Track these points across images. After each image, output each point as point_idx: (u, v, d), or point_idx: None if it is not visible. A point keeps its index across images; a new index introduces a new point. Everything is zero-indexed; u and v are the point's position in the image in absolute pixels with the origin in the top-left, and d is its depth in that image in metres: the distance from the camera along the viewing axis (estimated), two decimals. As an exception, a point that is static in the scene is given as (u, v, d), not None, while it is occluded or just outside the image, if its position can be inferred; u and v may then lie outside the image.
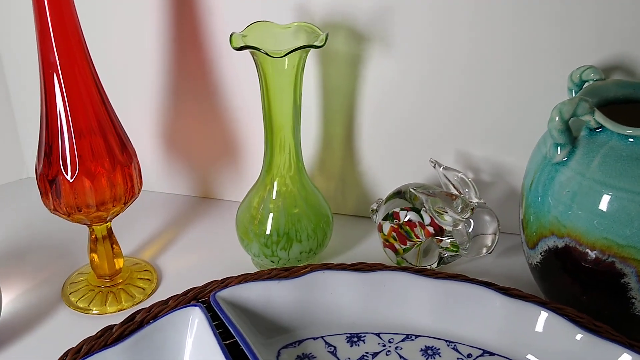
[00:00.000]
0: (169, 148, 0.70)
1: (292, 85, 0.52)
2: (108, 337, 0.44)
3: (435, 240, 0.57)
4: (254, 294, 0.48)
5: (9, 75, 0.71)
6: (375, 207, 0.61)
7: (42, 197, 0.50)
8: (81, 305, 0.55)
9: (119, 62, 0.66)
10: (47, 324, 0.53)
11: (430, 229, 0.56)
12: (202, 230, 0.67)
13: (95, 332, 0.44)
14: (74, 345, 0.43)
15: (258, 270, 0.53)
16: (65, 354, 0.43)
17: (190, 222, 0.68)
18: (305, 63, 0.52)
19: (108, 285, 0.56)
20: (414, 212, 0.57)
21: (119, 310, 0.54)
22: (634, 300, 0.45)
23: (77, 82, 0.47)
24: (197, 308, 0.46)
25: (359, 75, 0.61)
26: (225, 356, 0.41)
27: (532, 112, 0.58)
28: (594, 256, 0.45)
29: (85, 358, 0.42)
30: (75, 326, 0.53)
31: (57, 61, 0.46)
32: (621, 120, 0.45)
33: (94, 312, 0.54)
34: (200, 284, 0.50)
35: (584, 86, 0.51)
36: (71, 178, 0.48)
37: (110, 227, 0.55)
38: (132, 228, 0.65)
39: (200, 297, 0.48)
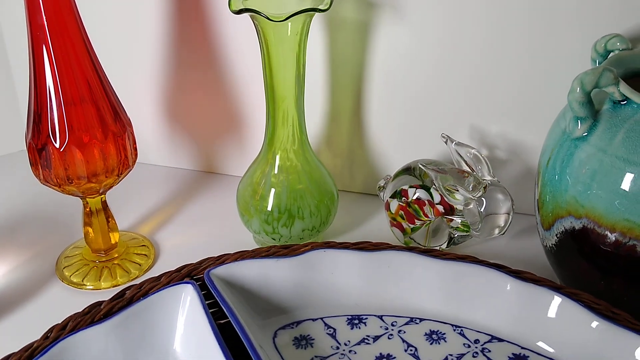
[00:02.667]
0: (170, 120, 0.68)
1: (296, 53, 0.49)
2: (95, 314, 0.42)
3: (445, 219, 0.54)
4: (251, 272, 0.46)
5: (9, 46, 0.69)
6: (382, 184, 0.59)
7: (31, 167, 0.48)
8: (75, 280, 0.53)
9: (119, 34, 0.64)
10: (39, 298, 0.51)
11: (440, 208, 0.53)
12: (203, 205, 0.64)
13: (83, 308, 0.42)
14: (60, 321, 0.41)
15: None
16: (50, 330, 0.41)
17: (191, 197, 0.66)
18: (309, 29, 0.49)
19: (103, 260, 0.54)
20: (423, 190, 0.54)
21: (113, 286, 0.52)
22: (656, 286, 0.42)
23: (67, 48, 0.45)
24: (189, 285, 0.43)
25: (368, 45, 0.58)
26: (216, 337, 0.39)
27: (553, 85, 0.54)
28: (613, 239, 0.42)
29: (70, 335, 0.40)
30: (68, 302, 0.51)
31: (46, 25, 0.44)
32: (648, 93, 0.41)
33: (87, 287, 0.52)
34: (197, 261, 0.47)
35: (609, 56, 0.47)
36: (60, 147, 0.46)
37: (105, 200, 0.53)
38: (130, 202, 0.63)
39: (194, 274, 0.46)
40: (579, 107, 0.42)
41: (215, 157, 0.69)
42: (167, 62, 0.64)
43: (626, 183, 0.41)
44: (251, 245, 0.58)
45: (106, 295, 0.49)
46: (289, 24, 0.47)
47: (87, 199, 0.51)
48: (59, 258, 0.56)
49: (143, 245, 0.57)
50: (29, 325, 0.49)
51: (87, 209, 0.52)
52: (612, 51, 0.47)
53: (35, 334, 0.41)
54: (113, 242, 0.54)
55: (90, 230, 0.53)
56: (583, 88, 0.41)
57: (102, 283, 0.53)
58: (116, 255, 0.55)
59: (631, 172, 0.40)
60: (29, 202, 0.64)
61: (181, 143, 0.69)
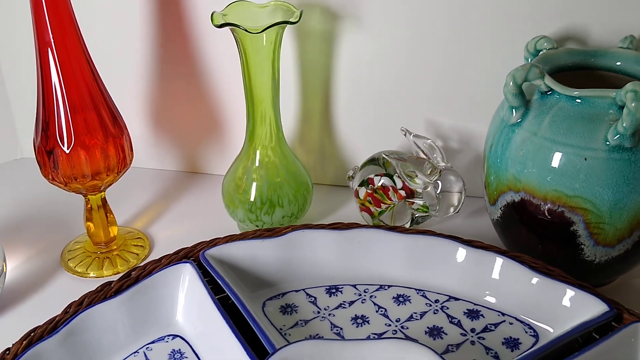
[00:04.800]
0: (156, 125, 0.74)
1: (271, 60, 0.56)
2: (107, 291, 0.48)
3: (407, 202, 0.61)
4: (240, 252, 0.53)
5: (3, 60, 0.74)
6: (351, 174, 0.66)
7: (40, 168, 0.54)
8: (79, 270, 0.59)
9: (106, 44, 0.69)
10: (49, 286, 0.57)
11: (402, 193, 0.61)
12: (189, 202, 0.71)
13: (96, 287, 0.48)
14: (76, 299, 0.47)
15: (243, 234, 0.58)
16: (69, 306, 0.47)
17: (179, 195, 0.72)
18: (282, 39, 0.56)
19: (104, 251, 0.60)
20: (387, 177, 0.61)
21: (114, 274, 0.58)
22: (582, 246, 0.50)
23: (70, 61, 0.51)
24: (188, 264, 0.50)
25: (334, 52, 0.66)
26: (217, 306, 0.46)
27: (494, 82, 0.62)
28: (546, 207, 0.50)
29: (87, 309, 0.46)
30: (75, 288, 0.57)
31: (52, 41, 0.50)
32: (571, 85, 0.49)
33: (91, 275, 0.58)
34: (189, 246, 0.54)
35: (539, 55, 0.55)
36: (67, 150, 0.52)
37: (105, 197, 0.59)
38: (124, 202, 0.69)
39: (190, 255, 0.52)
40: (513, 97, 0.50)
41: (199, 159, 0.75)
42: (153, 72, 0.71)
43: (554, 160, 0.49)
44: (235, 232, 0.64)
45: (108, 282, 0.55)
46: (264, 35, 0.54)
47: (89, 196, 0.57)
48: (62, 252, 0.61)
49: (139, 238, 0.63)
50: (42, 309, 0.54)
51: (89, 206, 0.58)
52: (541, 50, 0.55)
53: (48, 317, 0.46)
54: (112, 235, 0.60)
55: (91, 225, 0.59)
56: (515, 82, 0.49)
57: (105, 271, 0.58)
58: (115, 247, 0.61)
59: (558, 151, 0.48)
60: (29, 207, 0.69)
61: (168, 147, 0.75)
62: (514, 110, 0.51)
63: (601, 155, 0.47)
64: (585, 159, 0.47)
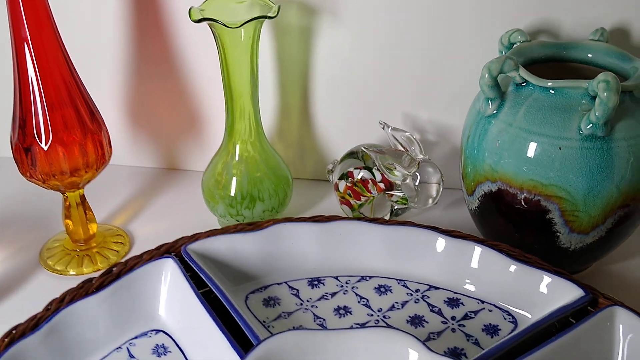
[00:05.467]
0: (133, 122, 0.73)
1: (249, 55, 0.56)
2: (89, 288, 0.48)
3: (386, 195, 0.62)
4: (222, 246, 0.53)
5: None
6: (331, 168, 0.66)
7: (18, 166, 0.54)
8: (59, 268, 0.58)
9: (82, 39, 0.69)
10: (28, 285, 0.57)
11: (382, 185, 0.62)
12: (168, 198, 0.71)
13: (77, 284, 0.48)
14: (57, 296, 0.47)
15: (224, 229, 0.58)
16: (50, 303, 0.46)
17: (157, 192, 0.72)
18: (260, 34, 0.56)
19: (83, 249, 0.60)
20: (366, 170, 0.62)
21: (95, 271, 0.58)
22: (558, 234, 0.51)
23: (47, 57, 0.51)
24: (170, 259, 0.50)
25: (312, 47, 0.66)
26: (200, 301, 0.46)
27: (470, 76, 0.63)
28: (523, 196, 0.51)
29: (68, 305, 0.46)
30: (55, 286, 0.56)
31: (29, 37, 0.49)
32: (545, 77, 0.50)
33: (70, 273, 0.58)
34: (170, 242, 0.54)
35: (513, 47, 0.56)
36: (45, 147, 0.52)
37: (83, 194, 0.58)
38: (102, 199, 0.69)
39: (172, 250, 0.52)
40: (489, 89, 0.51)
41: (177, 155, 0.75)
42: (129, 69, 0.70)
43: (530, 150, 0.50)
44: (216, 227, 0.64)
45: (89, 279, 0.55)
46: (242, 30, 0.54)
47: (67, 193, 0.57)
48: (41, 250, 0.61)
49: (118, 235, 0.63)
50: (21, 308, 0.53)
51: (67, 203, 0.58)
52: (515, 43, 0.57)
53: (29, 315, 0.46)
54: (92, 232, 0.60)
55: (69, 222, 0.59)
56: (490, 74, 0.50)
57: (85, 269, 0.58)
58: (94, 244, 0.60)
59: (533, 141, 0.49)
60: (7, 204, 0.69)
61: (145, 143, 0.75)
62: (489, 101, 0.52)
63: (575, 144, 0.48)
64: (560, 149, 0.48)
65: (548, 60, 0.56)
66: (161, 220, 0.67)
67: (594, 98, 0.48)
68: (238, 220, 0.62)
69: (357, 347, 0.39)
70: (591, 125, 0.47)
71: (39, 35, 0.50)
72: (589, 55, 0.55)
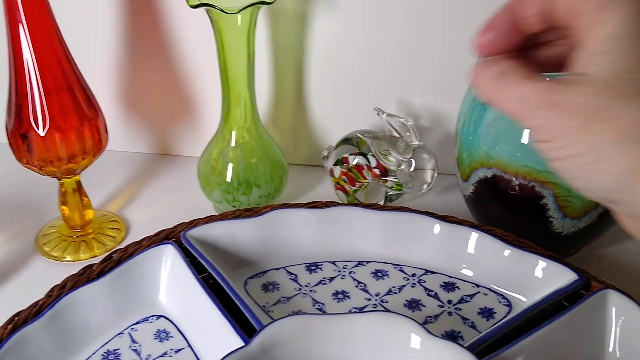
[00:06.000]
0: (126, 107, 0.73)
1: (246, 40, 0.56)
2: (90, 274, 0.48)
3: (381, 180, 0.63)
4: (220, 232, 0.53)
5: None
6: (326, 154, 0.67)
7: (14, 152, 0.53)
8: (55, 254, 0.58)
9: (74, 23, 0.68)
10: (25, 271, 0.57)
11: (377, 171, 0.62)
12: (163, 184, 0.71)
13: (78, 270, 0.48)
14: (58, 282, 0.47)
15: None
16: (52, 289, 0.47)
17: (152, 177, 0.72)
18: (257, 19, 0.56)
19: (79, 235, 0.60)
20: (361, 156, 0.63)
21: (92, 257, 0.58)
22: (552, 219, 0.53)
23: (43, 41, 0.50)
24: (170, 245, 0.50)
25: (307, 32, 0.66)
26: (202, 286, 0.46)
27: (465, 61, 0.64)
28: (517, 182, 0.52)
29: (70, 292, 0.46)
30: (52, 272, 0.56)
31: (24, 19, 0.49)
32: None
33: (67, 259, 0.58)
34: (168, 228, 0.54)
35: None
36: (42, 133, 0.51)
37: (79, 180, 0.58)
38: (96, 185, 0.68)
39: (171, 236, 0.52)
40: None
41: (171, 140, 0.75)
42: (123, 53, 0.70)
43: (525, 137, 0.51)
44: (211, 213, 0.64)
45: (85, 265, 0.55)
46: (239, 15, 0.54)
47: (63, 179, 0.56)
48: (37, 236, 0.61)
49: (114, 221, 0.63)
50: (20, 294, 0.54)
51: (63, 189, 0.57)
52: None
53: (28, 301, 0.46)
54: (88, 218, 0.60)
55: (65, 209, 0.58)
56: (487, 61, 0.51)
57: (81, 255, 0.58)
58: (91, 230, 0.60)
59: (527, 127, 0.50)
60: (-1, 190, 0.68)
61: (139, 129, 0.75)
62: (486, 89, 0.52)
63: (569, 131, 0.49)
64: (555, 135, 0.49)
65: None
66: (156, 205, 0.67)
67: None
68: (234, 206, 0.62)
69: (359, 330, 0.40)
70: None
71: (34, 18, 0.49)
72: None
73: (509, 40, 0.29)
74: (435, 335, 0.38)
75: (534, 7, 0.28)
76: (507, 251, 0.51)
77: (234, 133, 0.60)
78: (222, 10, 0.52)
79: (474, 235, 0.52)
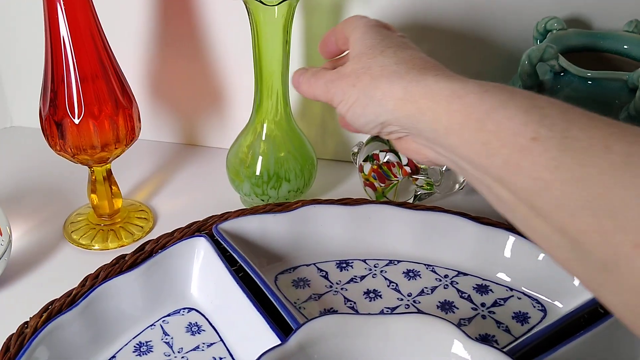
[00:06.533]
0: (155, 96, 0.72)
1: (282, 33, 0.55)
2: (122, 265, 0.48)
3: (411, 179, 0.62)
4: (252, 226, 0.53)
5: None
6: (356, 150, 0.66)
7: (47, 138, 0.53)
8: (83, 242, 0.58)
9: (104, 9, 0.68)
10: (54, 258, 0.56)
11: (407, 169, 0.61)
12: (190, 175, 0.70)
13: (110, 260, 0.48)
14: (91, 272, 0.47)
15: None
16: (85, 279, 0.46)
17: (178, 168, 0.71)
18: (294, 12, 0.55)
19: (108, 223, 0.59)
20: (392, 153, 0.62)
21: (120, 247, 0.58)
22: (588, 224, 0.52)
23: (81, 30, 0.49)
24: (202, 238, 0.50)
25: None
26: (236, 280, 0.46)
27: (501, 61, 0.63)
28: (555, 186, 0.51)
29: (103, 282, 0.46)
30: (81, 260, 0.56)
31: (62, 4, 0.48)
32: (579, 66, 0.50)
33: (95, 248, 0.58)
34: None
35: (548, 35, 0.56)
36: (77, 121, 0.51)
37: (110, 169, 0.58)
38: (122, 174, 0.68)
39: (203, 229, 0.52)
40: (527, 77, 0.51)
41: (196, 131, 0.75)
42: (153, 41, 0.69)
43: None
44: (236, 206, 0.64)
45: (113, 254, 0.54)
46: (277, 8, 0.53)
47: (94, 167, 0.56)
48: (65, 223, 0.60)
49: (142, 210, 0.62)
50: (50, 281, 0.54)
51: (93, 177, 0.57)
52: (551, 31, 0.56)
53: (58, 289, 0.46)
54: (116, 207, 0.59)
55: (95, 197, 0.58)
56: (530, 61, 0.50)
57: (110, 244, 0.58)
58: (119, 219, 0.60)
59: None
60: (26, 175, 0.68)
61: (166, 118, 0.74)
62: (526, 89, 0.51)
63: (612, 136, 0.48)
64: (597, 140, 0.48)
65: (582, 50, 0.56)
66: (182, 196, 0.66)
67: (632, 90, 0.48)
68: (263, 200, 0.62)
69: (397, 332, 0.39)
70: (630, 118, 0.47)
71: (72, 4, 0.48)
72: (625, 46, 0.55)
73: (333, 50, 0.47)
74: (476, 340, 0.38)
75: (332, 36, 0.46)
76: (542, 255, 0.50)
77: (265, 126, 0.60)
78: (261, 2, 0.52)
79: (511, 238, 0.51)
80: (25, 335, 0.42)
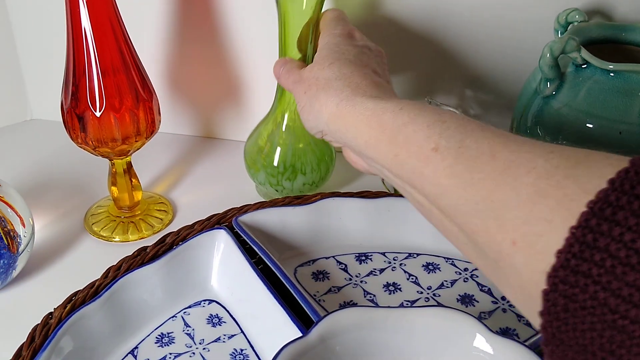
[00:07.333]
0: (174, 89, 0.73)
1: (310, 25, 0.55)
2: (144, 257, 0.48)
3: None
4: (271, 218, 0.53)
5: (14, 16, 0.72)
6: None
7: (69, 131, 0.53)
8: (104, 234, 0.58)
9: (125, 4, 0.68)
10: (75, 249, 0.57)
11: (426, 162, 0.61)
12: (208, 168, 0.70)
13: (132, 252, 0.48)
14: (113, 264, 0.47)
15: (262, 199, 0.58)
16: (107, 270, 0.47)
17: (197, 161, 0.71)
18: (323, 4, 0.55)
19: (128, 215, 0.60)
20: (411, 146, 0.62)
21: (139, 239, 0.58)
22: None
23: (103, 23, 0.50)
24: (222, 230, 0.50)
25: (367, 18, 0.65)
26: (257, 273, 0.46)
27: (521, 53, 0.63)
28: (576, 179, 0.50)
29: (126, 274, 0.46)
30: (101, 251, 0.57)
31: (85, 2, 0.48)
32: (601, 58, 0.49)
33: (115, 239, 0.58)
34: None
35: (569, 27, 0.55)
36: (98, 114, 0.51)
37: (130, 162, 0.58)
38: (142, 167, 0.68)
39: (222, 221, 0.52)
40: (549, 70, 0.50)
41: (215, 123, 0.75)
42: (171, 32, 0.69)
43: (589, 133, 0.49)
44: (254, 198, 0.64)
45: (134, 246, 0.55)
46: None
47: (115, 160, 0.56)
48: (85, 215, 0.61)
49: (161, 203, 0.63)
50: (71, 271, 0.54)
51: (114, 170, 0.58)
52: (572, 23, 0.56)
53: (78, 280, 0.46)
54: (136, 200, 0.60)
55: (115, 189, 0.59)
56: (552, 54, 0.49)
57: (130, 236, 0.58)
58: (139, 212, 0.60)
59: (592, 124, 0.49)
60: (46, 167, 0.69)
61: (182, 111, 0.74)
62: (548, 82, 0.51)
63: (635, 129, 0.48)
64: (620, 133, 0.48)
65: (603, 42, 0.55)
66: (201, 189, 0.67)
67: (656, 83, 0.47)
68: (277, 190, 0.62)
69: (420, 326, 0.39)
70: (654, 110, 0.47)
71: (94, 4, 0.49)
72: (648, 38, 0.54)
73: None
74: (498, 334, 0.38)
75: None
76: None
77: (286, 116, 0.60)
78: (290, -6, 0.51)
79: (531, 231, 0.51)
80: (50, 326, 0.42)
